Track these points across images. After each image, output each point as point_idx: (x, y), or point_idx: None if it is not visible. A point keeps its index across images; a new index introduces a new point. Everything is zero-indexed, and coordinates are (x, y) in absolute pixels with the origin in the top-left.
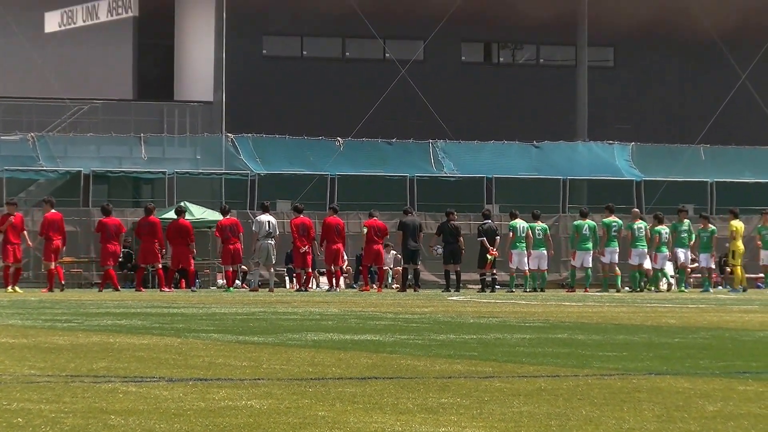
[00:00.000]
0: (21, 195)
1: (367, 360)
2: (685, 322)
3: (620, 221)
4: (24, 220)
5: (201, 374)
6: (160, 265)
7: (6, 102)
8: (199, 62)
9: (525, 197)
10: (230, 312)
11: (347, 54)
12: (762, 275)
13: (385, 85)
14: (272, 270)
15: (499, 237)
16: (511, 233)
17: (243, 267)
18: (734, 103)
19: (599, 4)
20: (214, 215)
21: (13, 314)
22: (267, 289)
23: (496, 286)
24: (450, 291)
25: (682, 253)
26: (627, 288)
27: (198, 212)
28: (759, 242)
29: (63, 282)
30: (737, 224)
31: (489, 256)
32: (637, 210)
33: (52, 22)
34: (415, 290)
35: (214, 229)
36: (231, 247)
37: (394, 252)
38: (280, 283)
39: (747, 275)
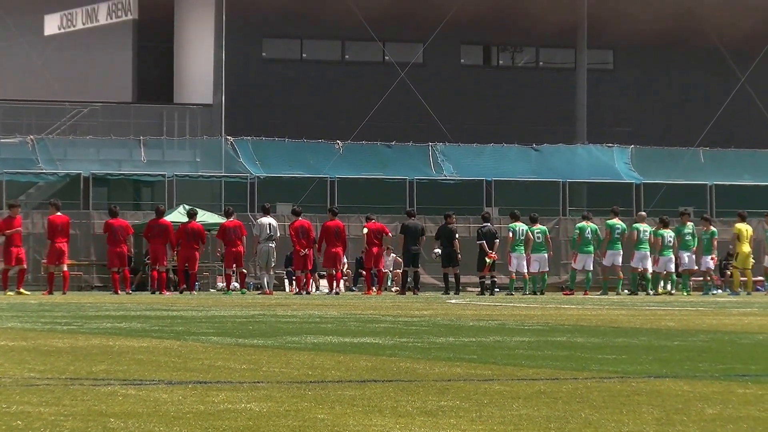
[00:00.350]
0: (21, 198)
1: (367, 363)
2: (684, 325)
3: (623, 224)
4: (23, 223)
5: (200, 377)
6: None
7: (6, 104)
8: (198, 65)
9: (524, 200)
10: (229, 315)
11: (347, 57)
12: (761, 278)
13: (384, 87)
14: (272, 273)
15: (498, 240)
16: (510, 235)
17: (242, 270)
18: (733, 106)
19: (599, 7)
20: (214, 218)
21: (13, 317)
22: (261, 292)
23: (496, 289)
24: (449, 294)
25: (686, 257)
26: (626, 291)
27: (198, 215)
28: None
29: (66, 290)
30: (741, 227)
31: (488, 260)
32: (643, 213)
33: (52, 24)
34: (414, 293)
35: (216, 232)
36: (233, 249)
37: (394, 255)
38: (280, 286)
39: (744, 278)
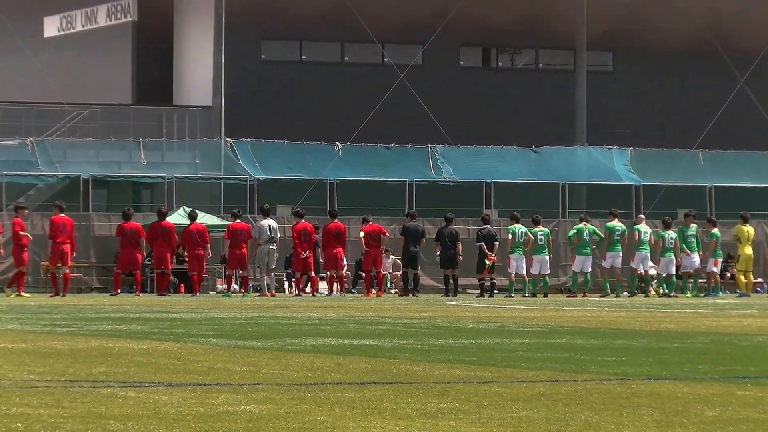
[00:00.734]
0: (20, 200)
1: (366, 365)
2: (683, 327)
3: (623, 226)
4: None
5: (200, 379)
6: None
7: (5, 106)
8: (198, 67)
9: (524, 202)
10: (229, 317)
11: (346, 58)
12: (761, 280)
13: (383, 89)
14: (273, 275)
15: (498, 242)
16: (509, 237)
17: (245, 274)
18: (733, 108)
19: (598, 9)
20: (213, 220)
21: (12, 319)
22: (260, 294)
23: (495, 291)
24: (449, 296)
25: (689, 258)
26: (626, 293)
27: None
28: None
29: (66, 293)
30: (742, 229)
31: (487, 262)
32: (642, 216)
33: (52, 26)
34: (414, 294)
35: (215, 233)
36: (238, 252)
37: (393, 257)
38: (279, 288)
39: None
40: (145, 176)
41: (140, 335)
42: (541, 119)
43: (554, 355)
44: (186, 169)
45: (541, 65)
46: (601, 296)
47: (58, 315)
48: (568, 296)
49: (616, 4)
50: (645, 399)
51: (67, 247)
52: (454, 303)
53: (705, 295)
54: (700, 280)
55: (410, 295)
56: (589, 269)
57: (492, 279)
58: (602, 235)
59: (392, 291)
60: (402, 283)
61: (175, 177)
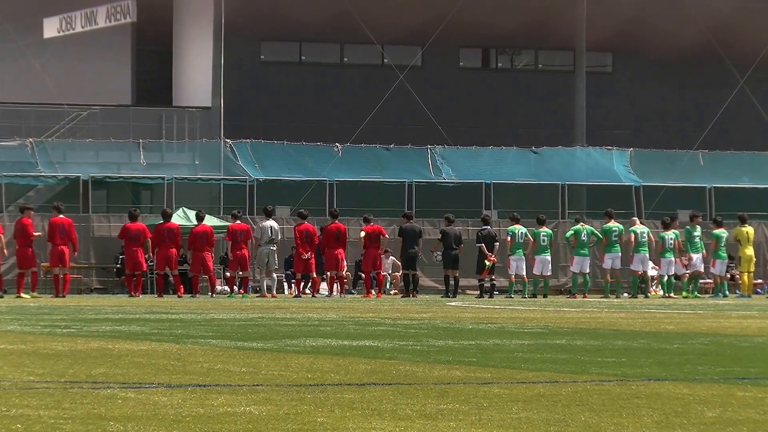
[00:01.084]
0: (19, 201)
1: (366, 366)
2: (683, 328)
3: (621, 226)
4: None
5: (200, 380)
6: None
7: (4, 108)
8: (197, 68)
9: (523, 203)
10: (229, 318)
11: (345, 59)
12: (761, 281)
13: (383, 90)
14: (274, 276)
15: (497, 243)
16: (509, 238)
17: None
18: (732, 109)
19: (598, 10)
20: (213, 221)
21: (12, 320)
22: (260, 295)
23: (495, 292)
24: (449, 296)
25: (696, 259)
26: (626, 294)
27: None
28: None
29: (65, 294)
30: (741, 230)
31: (487, 263)
32: (635, 219)
33: (51, 28)
34: (413, 295)
35: (225, 234)
36: (239, 253)
37: (393, 258)
38: (279, 289)
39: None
40: (144, 177)
41: (140, 336)
42: (540, 120)
43: (554, 356)
44: (185, 170)
45: (540, 66)
46: (602, 297)
47: (57, 316)
48: (568, 297)
49: (616, 5)
50: (645, 400)
51: (66, 249)
52: (453, 304)
53: (712, 296)
54: (705, 281)
55: (410, 296)
56: (588, 270)
57: (492, 280)
58: (600, 236)
59: (392, 292)
60: (403, 284)
61: (175, 178)
